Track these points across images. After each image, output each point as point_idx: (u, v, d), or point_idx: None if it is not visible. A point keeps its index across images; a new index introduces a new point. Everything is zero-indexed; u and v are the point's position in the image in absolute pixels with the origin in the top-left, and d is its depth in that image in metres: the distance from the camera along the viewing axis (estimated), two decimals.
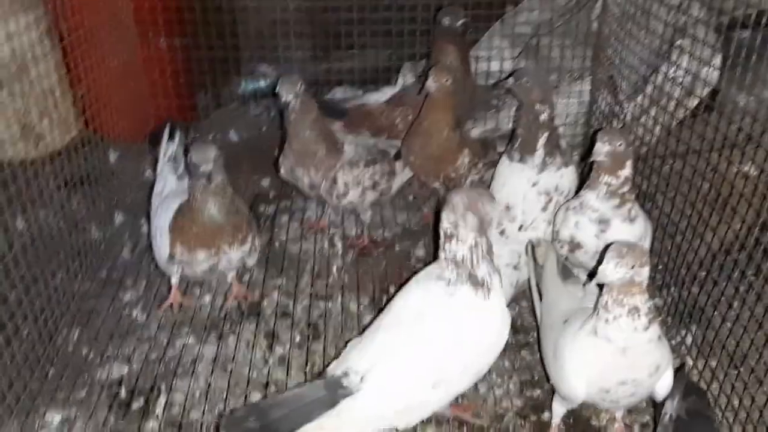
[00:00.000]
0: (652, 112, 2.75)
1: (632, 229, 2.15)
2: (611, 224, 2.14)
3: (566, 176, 2.39)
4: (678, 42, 2.73)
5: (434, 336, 1.76)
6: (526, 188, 2.35)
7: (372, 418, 1.75)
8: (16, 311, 2.18)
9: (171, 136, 2.63)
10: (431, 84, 2.52)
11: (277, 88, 2.49)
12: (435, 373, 1.76)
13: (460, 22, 2.95)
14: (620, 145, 2.06)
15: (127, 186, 3.17)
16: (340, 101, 3.23)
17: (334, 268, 2.73)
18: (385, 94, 3.13)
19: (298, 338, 2.42)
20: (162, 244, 2.37)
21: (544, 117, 2.30)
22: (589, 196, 2.15)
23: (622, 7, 2.94)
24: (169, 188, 2.53)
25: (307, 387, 1.82)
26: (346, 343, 1.93)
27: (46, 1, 3.01)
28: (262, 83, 3.96)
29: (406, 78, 3.41)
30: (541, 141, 2.32)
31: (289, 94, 2.46)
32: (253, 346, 2.38)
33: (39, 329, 2.29)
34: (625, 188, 2.12)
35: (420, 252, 2.84)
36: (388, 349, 1.77)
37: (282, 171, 2.70)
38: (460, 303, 1.77)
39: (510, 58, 3.59)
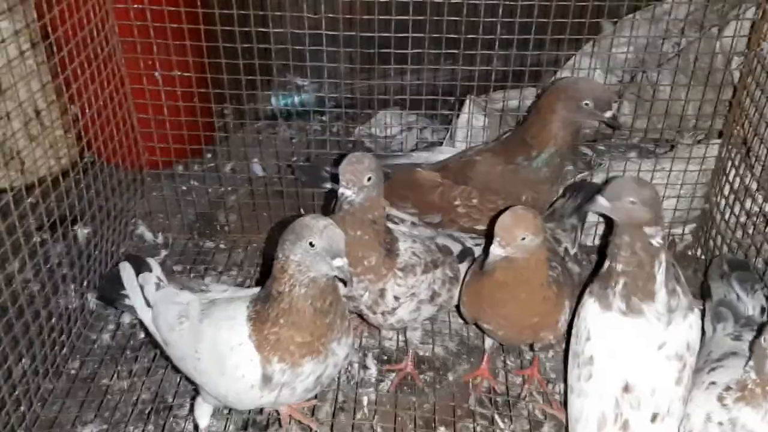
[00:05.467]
0: None
1: None
2: None
3: (695, 325, 1.68)
4: None
5: None
6: (649, 354, 1.63)
7: None
8: None
9: (139, 270, 1.94)
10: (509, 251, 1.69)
11: (339, 170, 1.78)
12: None
13: (608, 114, 2.11)
14: None
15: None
16: (384, 156, 2.49)
17: (365, 401, 2.06)
18: (442, 153, 2.40)
19: None
20: (238, 370, 1.65)
21: (657, 242, 1.60)
22: (748, 416, 1.48)
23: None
24: (191, 306, 1.80)
25: None
26: None
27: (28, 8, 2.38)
28: (295, 98, 3.29)
29: (471, 118, 2.67)
30: (661, 278, 1.61)
31: (352, 185, 1.76)
32: None
33: None
34: None
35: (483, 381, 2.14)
36: None
37: None
38: None
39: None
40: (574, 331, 1.76)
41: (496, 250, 1.67)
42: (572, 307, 1.87)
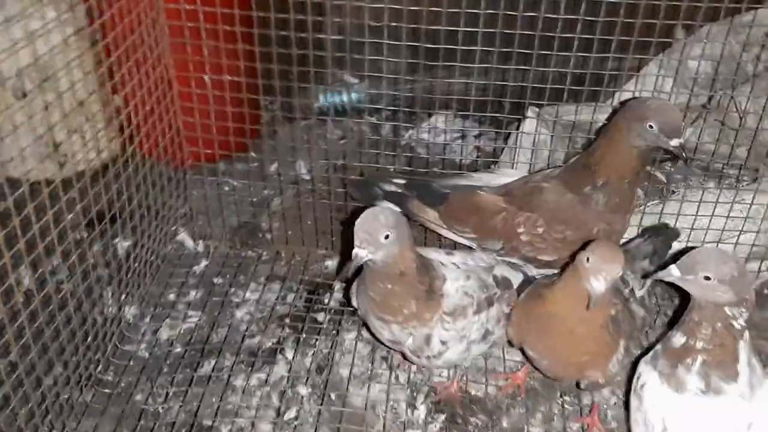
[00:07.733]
0: None
1: None
2: None
3: None
4: None
5: None
6: None
7: None
8: None
9: None
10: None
11: (354, 229, 1.61)
12: None
13: (674, 143, 1.85)
14: None
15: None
16: (438, 179, 2.30)
17: None
18: (505, 176, 2.21)
19: None
20: None
21: (740, 323, 1.46)
22: None
23: None
24: None
25: None
26: None
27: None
28: (345, 97, 3.12)
29: (537, 133, 2.47)
30: (744, 356, 1.48)
31: (367, 245, 1.61)
32: None
33: None
34: None
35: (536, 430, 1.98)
36: None
37: (354, 304, 1.93)
38: None
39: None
40: (639, 417, 1.59)
41: (601, 286, 1.55)
42: (628, 348, 1.78)
